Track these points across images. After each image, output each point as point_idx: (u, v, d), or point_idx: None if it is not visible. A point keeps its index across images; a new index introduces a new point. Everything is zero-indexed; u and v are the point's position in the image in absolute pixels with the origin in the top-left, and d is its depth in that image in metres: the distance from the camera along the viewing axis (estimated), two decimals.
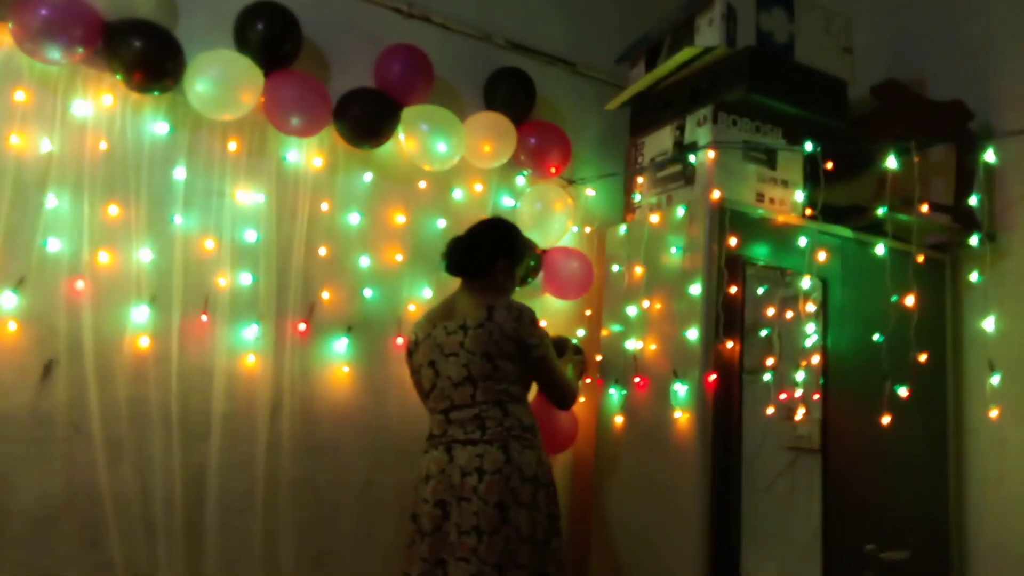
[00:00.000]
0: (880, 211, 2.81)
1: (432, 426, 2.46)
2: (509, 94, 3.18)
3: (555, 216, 3.23)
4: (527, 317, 2.46)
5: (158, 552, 2.41)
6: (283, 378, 2.71)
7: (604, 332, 3.16)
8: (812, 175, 2.86)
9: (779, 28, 2.93)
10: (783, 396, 2.81)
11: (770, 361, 2.84)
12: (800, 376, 2.78)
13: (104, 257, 2.48)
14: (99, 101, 2.50)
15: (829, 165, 2.82)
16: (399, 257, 2.97)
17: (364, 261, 2.92)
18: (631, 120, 3.35)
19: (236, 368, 2.64)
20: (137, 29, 2.46)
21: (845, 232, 2.95)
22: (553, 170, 3.24)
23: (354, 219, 2.92)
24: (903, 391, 2.72)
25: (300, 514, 2.69)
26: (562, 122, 3.40)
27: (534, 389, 2.56)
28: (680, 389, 2.68)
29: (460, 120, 3.02)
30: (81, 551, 2.34)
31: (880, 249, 2.85)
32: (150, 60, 2.47)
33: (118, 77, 2.46)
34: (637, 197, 3.21)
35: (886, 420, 2.69)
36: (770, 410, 2.78)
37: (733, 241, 2.69)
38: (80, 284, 2.43)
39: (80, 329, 2.41)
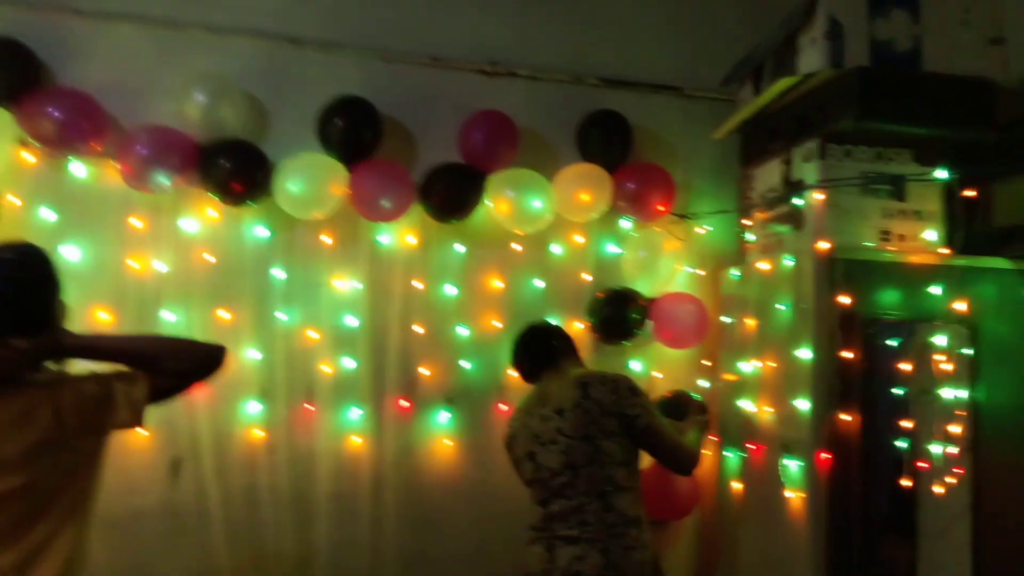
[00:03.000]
0: None
1: (534, 518, 2.35)
2: (603, 140, 3.03)
3: (663, 261, 3.03)
4: (624, 386, 2.33)
5: None
6: (387, 455, 2.82)
7: (720, 385, 2.93)
8: (952, 201, 2.43)
9: (901, 34, 2.49)
10: (922, 465, 2.42)
11: (906, 424, 2.46)
12: (939, 446, 2.38)
13: None
14: (204, 216, 2.74)
15: (970, 192, 2.37)
16: (497, 323, 2.96)
17: (462, 332, 2.94)
18: (741, 149, 3.05)
19: (341, 449, 2.80)
20: (225, 149, 2.66)
21: (1001, 263, 2.47)
22: (661, 208, 3.04)
23: (450, 291, 2.95)
24: None
25: None
26: (669, 153, 3.17)
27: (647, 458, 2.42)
28: (792, 465, 2.42)
29: (548, 178, 2.93)
30: None
31: None
32: (239, 176, 2.66)
33: (214, 196, 2.67)
34: (750, 237, 2.92)
35: None
36: (906, 483, 2.42)
37: (846, 298, 2.35)
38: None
39: (200, 427, 2.67)
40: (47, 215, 2.59)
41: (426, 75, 3.03)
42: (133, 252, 2.67)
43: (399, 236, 2.91)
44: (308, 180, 2.71)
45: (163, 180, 2.59)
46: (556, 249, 3.06)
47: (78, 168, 2.65)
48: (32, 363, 1.57)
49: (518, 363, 2.53)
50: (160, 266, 2.69)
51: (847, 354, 2.34)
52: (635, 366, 3.04)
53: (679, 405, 2.86)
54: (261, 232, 2.79)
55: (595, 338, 3.01)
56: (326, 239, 2.83)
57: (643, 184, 3.01)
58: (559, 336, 2.53)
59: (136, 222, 2.68)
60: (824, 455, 2.32)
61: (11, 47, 2.52)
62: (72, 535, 1.55)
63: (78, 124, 2.53)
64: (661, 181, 3.04)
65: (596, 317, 2.98)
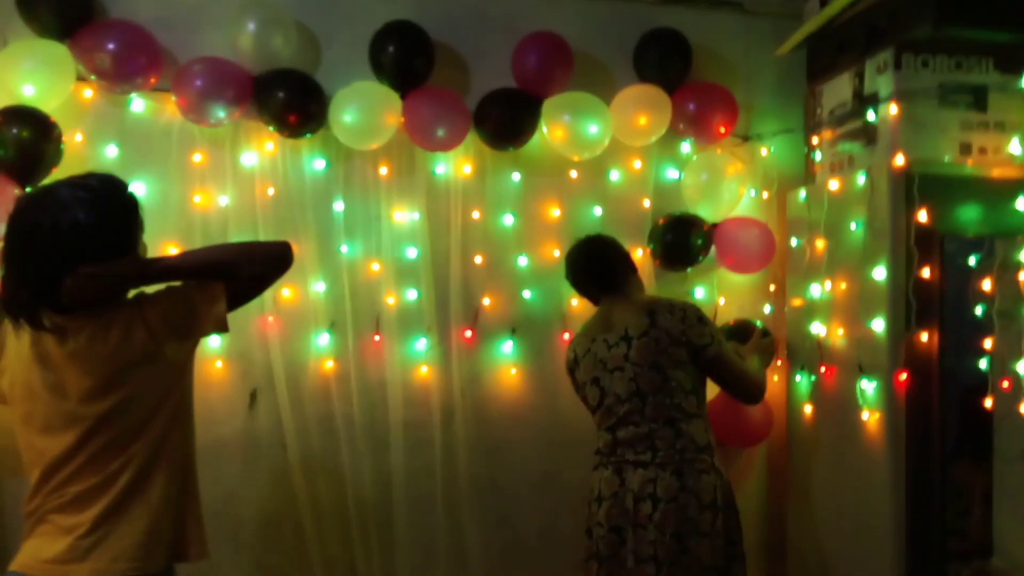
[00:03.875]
0: None
1: (600, 443, 2.37)
2: (660, 60, 2.92)
3: (725, 184, 2.95)
4: (693, 315, 2.30)
5: (355, 552, 2.72)
6: (454, 384, 2.84)
7: (788, 310, 2.88)
8: None
9: None
10: (1005, 384, 2.38)
11: (988, 344, 2.40)
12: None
13: (287, 292, 2.75)
14: (262, 149, 2.72)
15: None
16: (557, 253, 2.93)
17: (522, 261, 2.92)
18: (807, 64, 2.93)
19: (411, 379, 2.82)
20: (279, 80, 2.61)
21: None
22: (723, 130, 2.95)
23: (508, 220, 2.91)
24: None
25: (483, 512, 2.85)
26: (730, 73, 3.07)
27: (714, 388, 2.41)
28: (868, 387, 2.39)
29: (606, 101, 2.85)
30: (298, 551, 2.70)
31: None
32: (294, 107, 2.61)
33: (271, 128, 2.64)
34: (818, 156, 2.83)
35: None
36: (988, 402, 2.38)
37: (924, 215, 2.28)
38: (270, 319, 2.72)
39: (274, 359, 2.71)
40: (110, 151, 2.58)
41: None
42: (197, 187, 2.67)
43: (455, 166, 2.87)
44: (362, 110, 2.66)
45: (220, 113, 2.57)
46: (614, 175, 3.00)
47: (137, 103, 2.63)
48: (122, 287, 1.62)
49: (578, 284, 2.50)
50: (223, 200, 2.69)
51: (925, 273, 2.27)
52: (699, 292, 3.01)
53: (742, 331, 2.84)
54: (319, 164, 2.77)
55: (657, 265, 2.97)
56: (383, 170, 2.81)
57: (704, 105, 2.92)
58: (619, 255, 2.48)
59: (197, 156, 2.67)
60: (902, 376, 2.28)
61: None
62: (179, 439, 1.66)
63: (134, 57, 2.49)
64: (722, 101, 2.94)
65: (657, 243, 2.93)
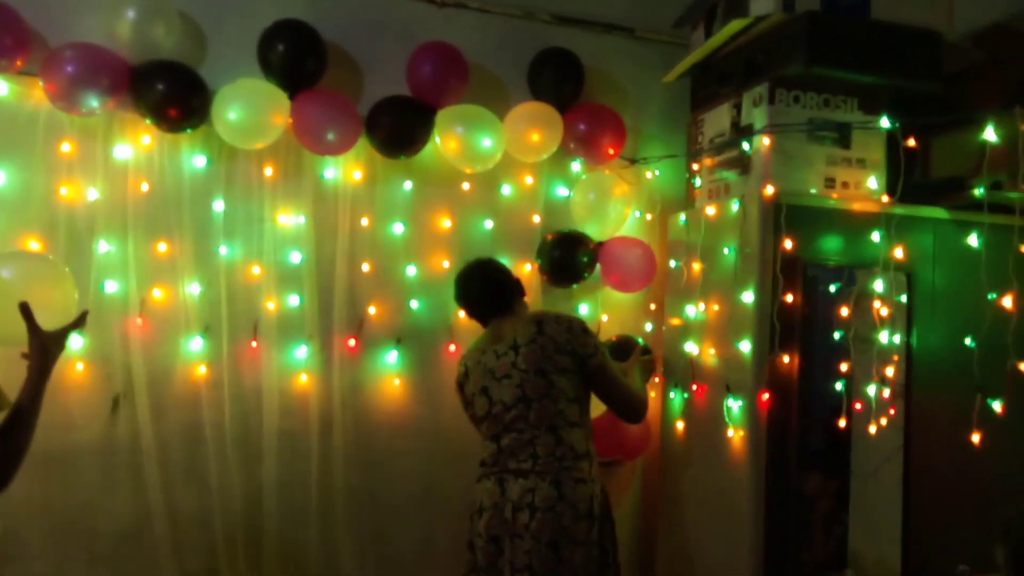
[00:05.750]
0: (978, 190, 2.40)
1: (484, 454, 2.38)
2: (554, 79, 2.98)
3: (612, 204, 3.03)
4: (578, 326, 2.36)
5: (220, 567, 2.61)
6: (334, 394, 2.78)
7: (666, 328, 2.98)
8: (895, 151, 2.49)
9: None
10: (858, 407, 2.53)
11: (844, 367, 2.55)
12: (875, 387, 2.49)
13: (158, 293, 2.63)
14: (138, 143, 2.60)
15: (911, 142, 2.43)
16: (446, 264, 2.92)
17: (411, 271, 2.90)
18: (691, 92, 3.05)
19: (289, 388, 2.74)
20: (159, 71, 2.51)
21: (939, 213, 2.56)
22: (611, 151, 3.02)
23: (398, 229, 2.89)
24: (997, 406, 2.37)
25: (359, 525, 2.80)
26: (621, 97, 3.16)
27: (599, 406, 2.45)
28: (734, 405, 2.49)
29: (499, 116, 2.87)
30: (157, 566, 2.57)
31: (974, 239, 2.45)
32: (175, 101, 2.51)
33: (148, 121, 2.53)
34: (698, 182, 2.95)
35: (976, 438, 2.37)
36: (842, 422, 2.52)
37: (789, 243, 2.41)
38: (138, 320, 2.59)
39: (140, 363, 2.58)
40: None
41: (372, 3, 2.91)
42: (63, 179, 2.52)
43: (345, 171, 2.83)
44: (248, 108, 2.58)
45: (93, 102, 2.44)
46: (506, 189, 3.02)
47: (1, 87, 2.46)
48: None
49: (469, 307, 2.51)
50: (92, 194, 2.55)
51: (789, 298, 2.40)
52: (583, 309, 3.07)
53: (623, 347, 2.91)
54: (199, 161, 2.67)
55: (543, 280, 3.01)
56: (268, 171, 2.73)
57: (594, 126, 2.99)
58: (511, 280, 2.51)
59: (66, 146, 2.52)
60: (765, 395, 2.39)
61: None
62: None
63: None
64: (612, 123, 3.02)
65: (545, 259, 2.98)
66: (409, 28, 2.91)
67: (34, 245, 2.47)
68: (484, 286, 2.47)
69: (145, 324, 2.59)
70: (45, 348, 1.65)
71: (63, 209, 2.53)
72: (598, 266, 3.04)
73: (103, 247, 2.56)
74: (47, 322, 1.67)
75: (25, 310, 1.64)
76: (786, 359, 2.40)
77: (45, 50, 2.46)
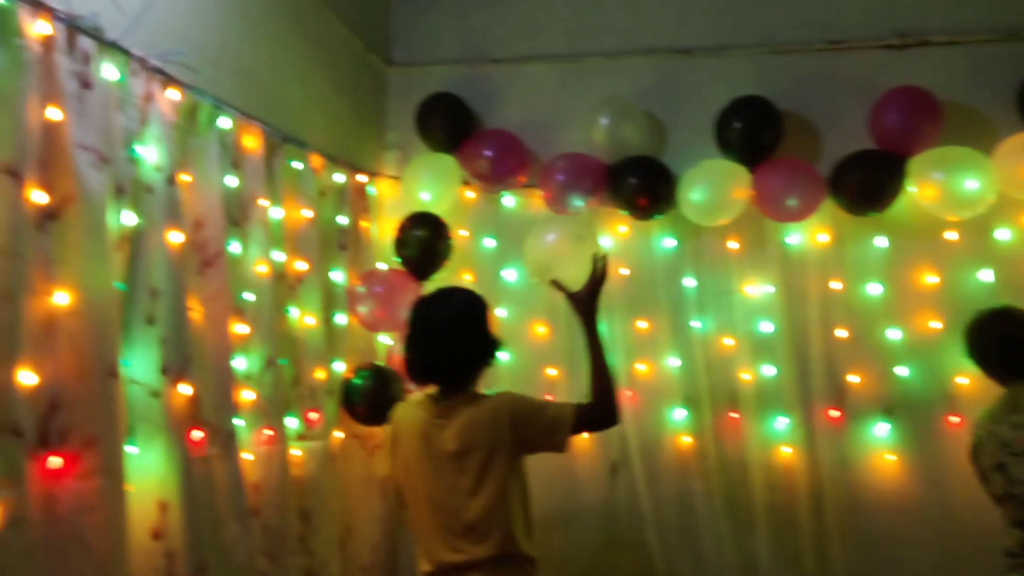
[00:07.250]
0: None
1: (1009, 541, 2.03)
2: None
3: None
4: None
5: None
6: (821, 468, 2.64)
7: None
8: None
9: None
10: None
11: None
12: None
13: (642, 367, 2.81)
14: (615, 232, 2.87)
15: None
16: (936, 324, 2.62)
17: (894, 335, 2.66)
18: None
19: (772, 460, 2.68)
20: (631, 167, 2.76)
21: None
22: None
23: (874, 290, 2.69)
24: None
25: None
26: None
27: None
28: None
29: (986, 152, 2.54)
30: None
31: None
32: (645, 191, 2.73)
33: (623, 212, 2.78)
34: None
35: None
36: None
37: None
38: (628, 393, 2.78)
39: (633, 432, 2.76)
40: (489, 243, 2.93)
41: (823, 61, 2.86)
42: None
43: (809, 235, 2.75)
44: (711, 187, 2.69)
45: (578, 202, 2.77)
46: (1003, 234, 2.63)
47: (508, 199, 2.95)
48: None
49: (990, 365, 2.19)
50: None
51: None
52: None
53: None
54: (669, 243, 2.83)
55: None
56: (733, 244, 2.78)
57: None
58: None
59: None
60: None
61: (451, 101, 2.93)
62: None
63: (506, 161, 2.84)
64: None
65: None
66: (865, 78, 2.78)
67: (540, 330, 2.85)
68: (1007, 337, 2.14)
69: (634, 396, 2.78)
70: (583, 305, 1.97)
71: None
72: None
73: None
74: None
75: (557, 285, 1.99)
76: None
77: (539, 164, 2.89)
